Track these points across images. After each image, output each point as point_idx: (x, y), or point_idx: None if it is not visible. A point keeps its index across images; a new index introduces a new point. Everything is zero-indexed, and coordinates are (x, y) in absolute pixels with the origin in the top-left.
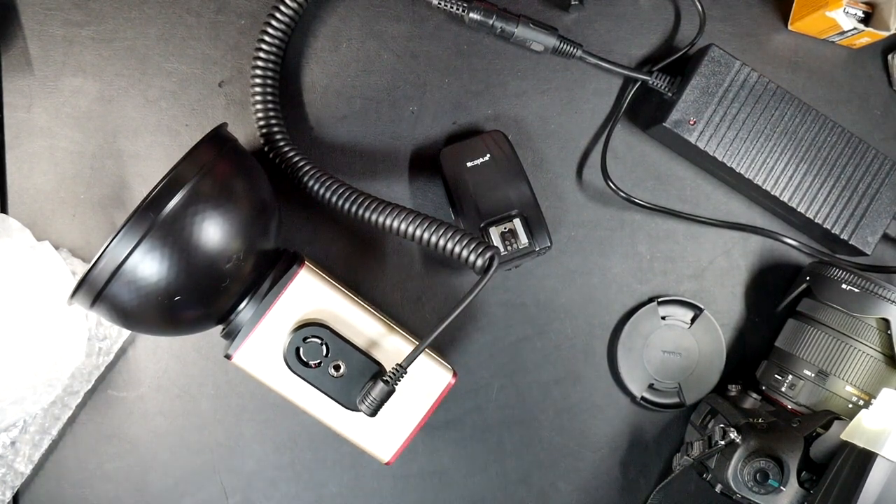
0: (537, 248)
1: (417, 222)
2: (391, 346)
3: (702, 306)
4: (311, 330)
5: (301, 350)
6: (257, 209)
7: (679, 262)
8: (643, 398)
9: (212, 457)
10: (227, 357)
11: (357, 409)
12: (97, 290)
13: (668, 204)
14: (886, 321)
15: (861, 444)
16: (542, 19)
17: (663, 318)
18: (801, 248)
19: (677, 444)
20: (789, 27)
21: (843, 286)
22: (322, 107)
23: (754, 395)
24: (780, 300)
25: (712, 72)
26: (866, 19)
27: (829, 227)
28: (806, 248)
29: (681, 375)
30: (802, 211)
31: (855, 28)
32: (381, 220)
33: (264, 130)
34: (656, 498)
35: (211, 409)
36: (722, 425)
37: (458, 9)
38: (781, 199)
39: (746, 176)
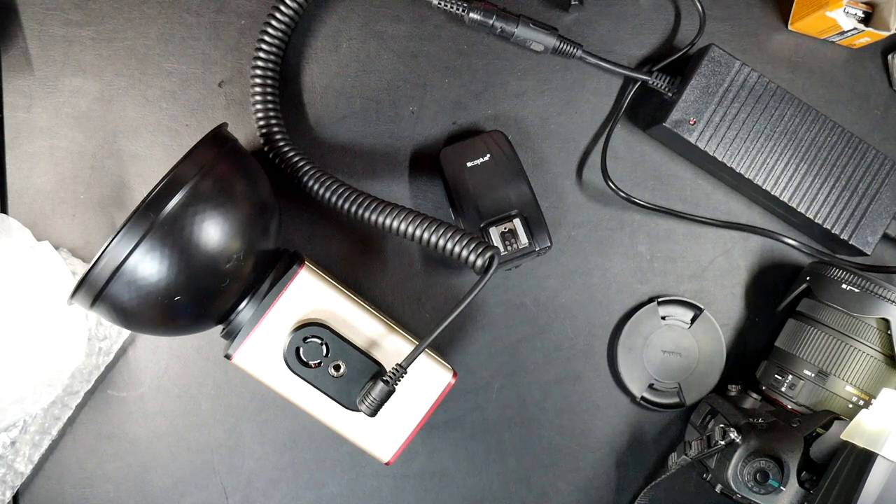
0: (537, 248)
1: (417, 222)
2: (391, 346)
3: (702, 306)
4: (311, 330)
5: (301, 350)
6: (257, 209)
7: (679, 262)
8: (643, 398)
9: (212, 457)
10: (227, 357)
11: (357, 409)
12: (97, 290)
13: (668, 204)
14: (886, 321)
15: (861, 444)
16: (542, 19)
17: (663, 318)
18: (801, 248)
19: (677, 444)
20: (789, 27)
21: (843, 286)
22: (322, 107)
23: (754, 395)
24: (780, 300)
25: (712, 72)
26: (866, 19)
27: (829, 227)
28: (806, 248)
29: (681, 375)
30: (802, 211)
31: (855, 28)
32: (381, 220)
33: (264, 130)
34: (647, 496)
35: (211, 409)
36: (722, 425)
37: (458, 9)
38: (781, 199)
39: (746, 176)
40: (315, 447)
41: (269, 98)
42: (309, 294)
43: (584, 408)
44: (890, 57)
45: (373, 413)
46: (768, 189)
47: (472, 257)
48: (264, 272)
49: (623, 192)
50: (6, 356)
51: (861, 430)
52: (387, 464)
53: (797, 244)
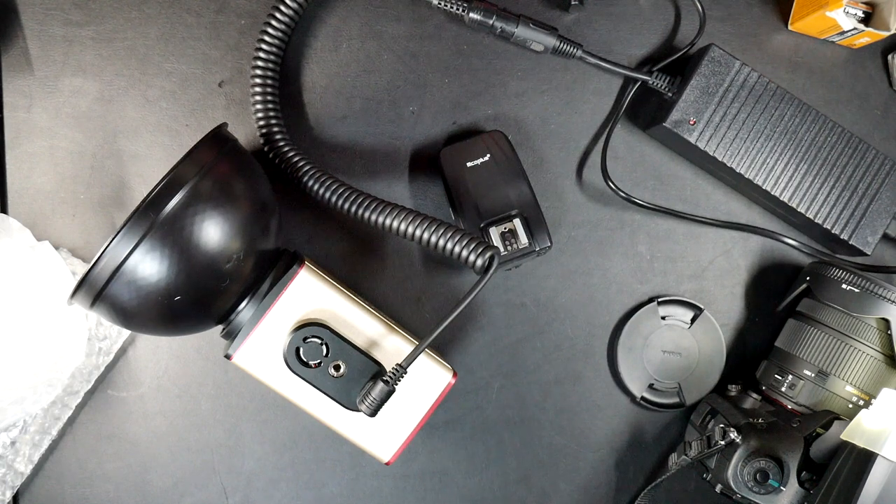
0: (537, 248)
1: (417, 222)
2: (391, 346)
3: (702, 306)
4: (311, 330)
5: (301, 350)
6: (257, 209)
7: (679, 262)
8: (643, 398)
9: (212, 457)
10: (227, 357)
11: (357, 409)
12: (97, 290)
13: (668, 204)
14: (886, 321)
15: (861, 444)
16: (542, 19)
17: (663, 318)
18: (801, 248)
19: (677, 444)
20: (789, 27)
21: (843, 286)
22: (322, 107)
23: (754, 395)
24: (780, 300)
25: (712, 72)
26: (866, 19)
27: (829, 227)
28: (806, 248)
29: (681, 375)
30: (802, 211)
31: (855, 28)
32: (381, 220)
33: (264, 130)
34: (647, 496)
35: (211, 409)
36: (722, 425)
37: (458, 9)
38: (781, 199)
39: (746, 176)
40: (315, 447)
41: (269, 98)
42: (309, 294)
43: (584, 408)
44: (890, 57)
45: (373, 413)
46: (768, 189)
47: (472, 257)
48: (264, 272)
49: (623, 192)
50: (6, 356)
51: (861, 430)
52: (387, 464)
53: (797, 244)
